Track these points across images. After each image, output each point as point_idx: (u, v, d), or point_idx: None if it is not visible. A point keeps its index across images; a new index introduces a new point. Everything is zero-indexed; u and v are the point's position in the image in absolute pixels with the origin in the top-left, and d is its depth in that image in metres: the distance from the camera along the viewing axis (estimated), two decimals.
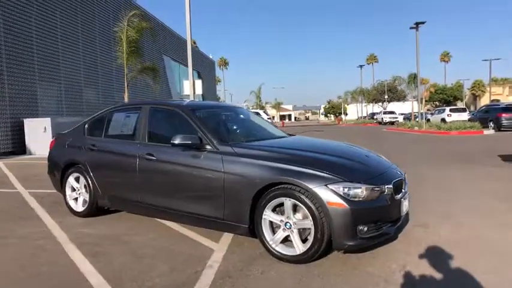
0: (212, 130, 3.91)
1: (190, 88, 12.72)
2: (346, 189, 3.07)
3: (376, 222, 3.19)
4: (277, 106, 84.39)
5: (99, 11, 19.31)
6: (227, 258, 3.40)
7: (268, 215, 3.35)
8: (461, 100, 67.93)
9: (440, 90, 68.43)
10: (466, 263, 3.15)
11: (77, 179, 4.85)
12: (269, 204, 3.32)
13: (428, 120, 27.34)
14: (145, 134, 4.25)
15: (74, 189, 4.91)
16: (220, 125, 4.44)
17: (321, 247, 3.11)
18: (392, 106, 57.57)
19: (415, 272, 3.00)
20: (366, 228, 3.11)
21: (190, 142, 3.72)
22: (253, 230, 3.47)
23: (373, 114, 55.34)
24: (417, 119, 27.20)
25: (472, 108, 58.63)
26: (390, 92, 60.70)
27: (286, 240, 3.34)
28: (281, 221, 3.30)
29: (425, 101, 40.17)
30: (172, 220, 4.21)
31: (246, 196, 3.41)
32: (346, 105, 77.60)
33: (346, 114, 72.79)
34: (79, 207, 4.84)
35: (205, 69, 39.47)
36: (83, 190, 4.79)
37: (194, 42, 49.00)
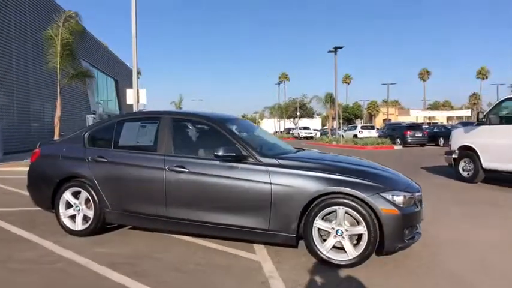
0: (250, 142, 3.96)
1: (134, 97, 12.10)
2: (394, 197, 3.43)
3: (412, 226, 3.61)
4: None
5: (15, 13, 17.15)
6: (280, 268, 3.46)
7: (319, 224, 3.53)
8: (361, 118, 75.89)
9: (343, 109, 75.61)
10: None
11: (75, 194, 4.39)
12: (320, 213, 3.51)
13: (342, 136, 30.02)
14: (170, 146, 4.09)
15: (69, 206, 4.42)
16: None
17: (373, 250, 3.41)
18: (301, 122, 61.69)
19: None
20: (407, 232, 3.50)
21: (234, 154, 3.73)
22: (298, 239, 3.61)
23: (289, 129, 58.51)
24: (333, 135, 29.65)
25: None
26: (301, 109, 65.28)
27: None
28: (332, 228, 3.51)
29: (332, 118, 44.57)
30: (202, 234, 4.08)
31: (295, 206, 3.54)
32: (260, 120, 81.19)
33: None
34: (78, 225, 4.36)
35: (123, 78, 37.42)
36: (83, 206, 4.35)
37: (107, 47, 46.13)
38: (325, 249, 3.52)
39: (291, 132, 52.61)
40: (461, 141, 9.15)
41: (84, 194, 4.32)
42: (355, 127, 32.45)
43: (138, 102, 12.21)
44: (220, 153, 3.71)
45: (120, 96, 34.51)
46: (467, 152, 8.88)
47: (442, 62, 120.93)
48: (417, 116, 69.37)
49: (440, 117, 72.47)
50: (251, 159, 3.77)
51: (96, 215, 4.25)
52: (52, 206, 4.48)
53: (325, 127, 52.26)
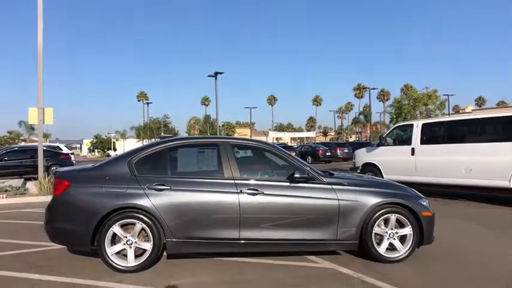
0: (308, 165, 4.52)
1: (40, 117, 10.43)
2: (425, 202, 4.55)
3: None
4: (46, 139, 72.82)
5: None
6: (355, 270, 4.11)
7: (376, 230, 4.35)
8: None
9: (206, 130, 78.23)
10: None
11: (123, 227, 4.05)
12: (378, 220, 4.35)
13: None
14: (237, 170, 4.28)
15: (113, 241, 4.03)
16: None
17: (416, 246, 4.42)
18: None
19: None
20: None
21: (307, 176, 4.25)
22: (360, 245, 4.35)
23: None
24: None
25: None
26: (163, 128, 64.88)
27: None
28: (385, 232, 4.39)
29: None
30: (272, 252, 4.42)
31: (359, 217, 4.28)
32: (115, 140, 76.62)
33: (116, 150, 71.43)
34: (130, 261, 4.02)
35: None
36: (136, 239, 4.05)
37: None
38: (382, 250, 4.35)
39: None
40: (364, 159, 11.35)
41: (138, 226, 4.04)
42: None
43: (43, 122, 10.57)
44: (297, 175, 4.20)
45: None
46: (370, 167, 11.09)
47: (286, 89, 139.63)
48: (267, 136, 77.42)
49: (285, 137, 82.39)
50: (316, 180, 4.35)
51: (155, 246, 4.03)
52: (91, 242, 4.00)
53: None
